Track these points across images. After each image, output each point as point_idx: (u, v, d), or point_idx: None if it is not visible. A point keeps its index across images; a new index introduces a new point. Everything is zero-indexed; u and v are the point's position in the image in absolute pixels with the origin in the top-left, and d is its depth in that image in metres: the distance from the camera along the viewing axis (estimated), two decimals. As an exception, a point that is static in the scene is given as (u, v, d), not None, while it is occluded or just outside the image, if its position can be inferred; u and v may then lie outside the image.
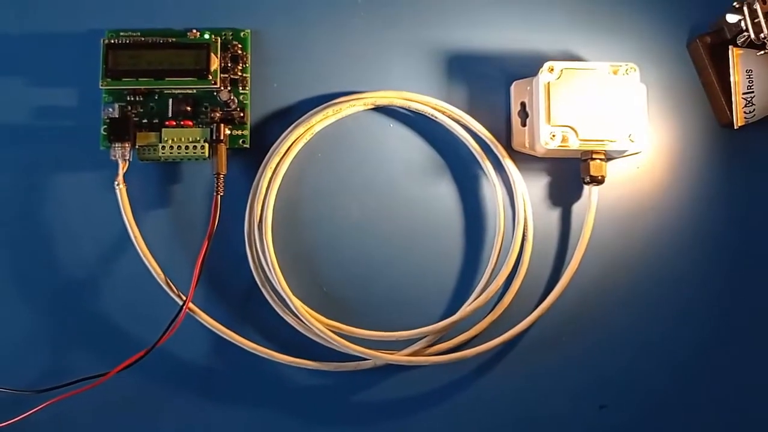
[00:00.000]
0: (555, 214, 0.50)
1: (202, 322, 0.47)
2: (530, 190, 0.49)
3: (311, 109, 0.49)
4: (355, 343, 0.47)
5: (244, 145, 0.49)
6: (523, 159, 0.50)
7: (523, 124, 0.50)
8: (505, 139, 0.50)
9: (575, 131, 0.47)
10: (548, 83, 0.47)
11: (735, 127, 0.48)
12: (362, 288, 0.49)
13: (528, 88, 0.50)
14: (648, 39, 0.51)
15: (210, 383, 0.48)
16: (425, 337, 0.48)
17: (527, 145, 0.49)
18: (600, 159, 0.47)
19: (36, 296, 0.48)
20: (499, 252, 0.48)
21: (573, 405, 0.48)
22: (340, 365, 0.47)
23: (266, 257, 0.47)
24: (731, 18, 0.47)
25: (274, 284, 0.47)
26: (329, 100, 0.49)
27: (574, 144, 0.47)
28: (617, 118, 0.47)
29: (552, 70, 0.47)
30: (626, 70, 0.47)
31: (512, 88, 0.50)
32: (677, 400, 0.48)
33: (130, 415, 0.47)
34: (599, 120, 0.47)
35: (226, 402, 0.48)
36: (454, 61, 0.51)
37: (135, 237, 0.47)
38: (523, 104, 0.50)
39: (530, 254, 0.48)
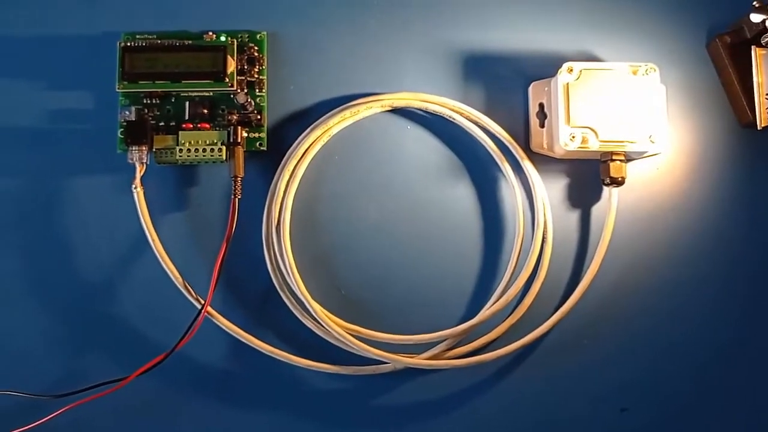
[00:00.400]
0: (574, 216, 0.49)
1: (221, 325, 0.47)
2: (549, 192, 0.49)
3: (328, 112, 0.49)
4: (373, 347, 0.46)
5: (261, 148, 0.48)
6: (541, 160, 0.49)
7: (542, 125, 0.49)
8: (524, 140, 0.50)
9: (595, 132, 0.46)
10: (567, 84, 0.47)
11: (758, 128, 0.48)
12: (381, 290, 0.48)
13: (546, 88, 0.49)
14: (666, 39, 0.51)
15: (228, 387, 0.47)
16: (444, 340, 0.47)
17: (546, 146, 0.49)
18: (620, 160, 0.47)
19: (54, 300, 0.48)
20: (519, 254, 0.48)
21: (594, 408, 0.48)
22: (359, 369, 0.47)
23: (284, 260, 0.47)
24: (755, 17, 0.46)
25: (293, 287, 0.47)
26: (346, 102, 0.49)
27: (594, 145, 0.46)
28: (637, 118, 0.46)
29: (571, 70, 0.47)
30: (646, 70, 0.47)
31: (530, 89, 0.50)
32: (699, 403, 0.48)
33: (149, 420, 0.47)
34: (619, 121, 0.46)
35: (244, 406, 0.47)
36: (471, 62, 0.50)
37: (153, 240, 0.46)
38: (541, 105, 0.50)
39: (550, 257, 0.48)
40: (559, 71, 0.47)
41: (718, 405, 0.48)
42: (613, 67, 0.47)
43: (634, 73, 0.47)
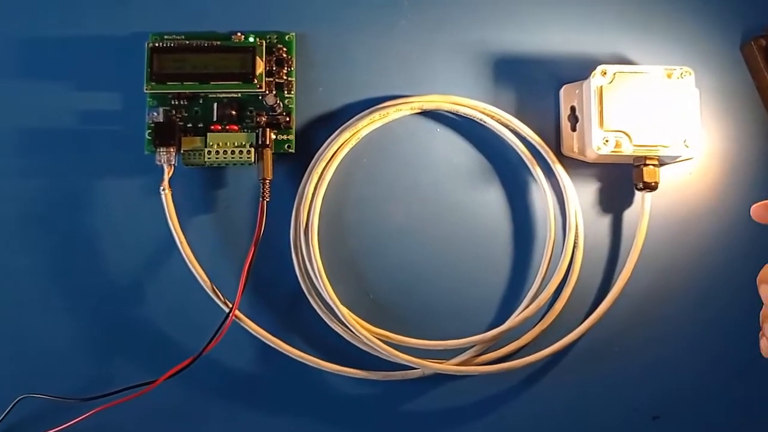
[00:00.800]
0: (605, 221, 0.49)
1: (248, 329, 0.46)
2: (580, 197, 0.48)
3: (357, 114, 0.48)
4: (402, 352, 0.46)
5: (290, 150, 0.48)
6: (572, 164, 0.49)
7: (573, 129, 0.49)
8: (555, 144, 0.49)
9: (629, 136, 0.45)
10: (601, 87, 0.46)
11: (794, 132, 0.47)
12: (409, 295, 0.48)
13: (578, 91, 0.49)
14: (700, 41, 0.50)
15: (255, 391, 0.47)
16: (473, 346, 0.47)
17: (577, 150, 0.48)
18: (653, 165, 0.46)
19: (81, 302, 0.47)
20: (550, 260, 0.47)
21: (625, 416, 0.47)
22: (388, 374, 0.46)
23: (312, 263, 0.46)
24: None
25: (321, 291, 0.46)
26: (375, 105, 0.48)
27: (627, 149, 0.45)
28: (672, 123, 0.46)
29: (605, 73, 0.46)
30: (681, 74, 0.46)
31: (562, 91, 0.49)
32: (732, 412, 0.47)
33: (176, 424, 0.47)
34: (653, 125, 0.46)
35: (271, 410, 0.47)
36: (502, 64, 0.50)
37: (180, 243, 0.46)
38: (572, 108, 0.49)
39: (581, 262, 0.47)
40: (592, 74, 0.46)
41: (753, 415, 0.47)
42: (648, 71, 0.46)
43: (669, 76, 0.46)
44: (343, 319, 0.46)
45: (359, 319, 0.47)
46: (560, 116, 0.49)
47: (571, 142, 0.49)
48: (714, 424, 0.47)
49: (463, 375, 0.46)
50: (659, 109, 0.46)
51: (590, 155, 0.47)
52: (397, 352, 0.46)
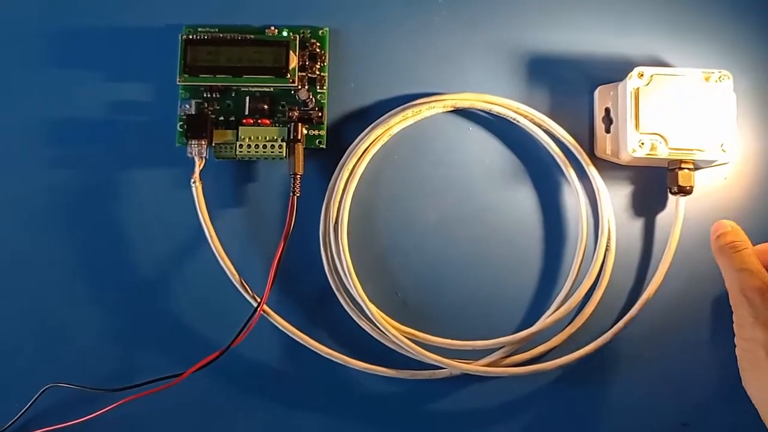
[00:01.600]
0: (638, 225, 0.48)
1: (276, 324, 0.46)
2: (613, 199, 0.48)
3: (389, 110, 0.48)
4: (430, 351, 0.45)
5: (321, 146, 0.48)
6: (605, 166, 0.48)
7: (607, 131, 0.48)
8: (588, 145, 0.48)
9: (665, 139, 0.45)
10: (637, 89, 0.45)
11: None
12: (438, 295, 0.48)
13: (612, 93, 0.48)
14: (736, 44, 0.50)
15: (282, 386, 0.47)
16: (502, 347, 0.46)
17: (610, 152, 0.48)
18: (689, 169, 0.45)
19: (110, 294, 0.47)
20: (581, 262, 0.47)
21: (654, 422, 0.47)
22: (415, 373, 0.46)
23: (341, 260, 0.46)
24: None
25: (349, 288, 0.46)
26: (407, 102, 0.48)
27: (663, 153, 0.45)
28: (708, 126, 0.45)
29: (642, 75, 0.46)
30: (719, 77, 0.45)
31: (596, 93, 0.49)
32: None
33: (201, 417, 0.47)
34: (690, 128, 0.45)
35: (297, 406, 0.47)
36: (536, 64, 0.49)
37: (210, 236, 0.46)
38: (607, 110, 0.48)
39: (612, 265, 0.47)
40: (628, 75, 0.46)
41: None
42: (685, 73, 0.46)
43: (707, 79, 0.46)
44: (371, 317, 0.46)
45: (387, 317, 0.46)
46: (594, 118, 0.49)
47: (604, 144, 0.48)
48: (744, 432, 0.46)
49: (491, 376, 0.46)
50: (696, 112, 0.45)
51: (624, 158, 0.47)
52: (425, 351, 0.45)
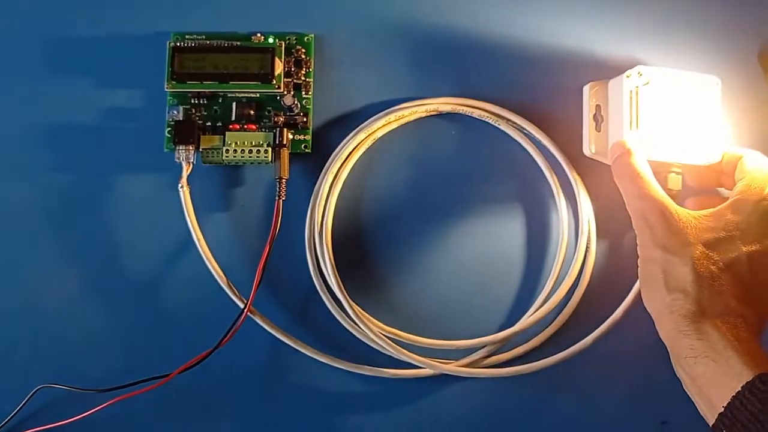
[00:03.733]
0: (624, 225, 0.49)
1: (262, 325, 0.47)
2: (597, 199, 0.48)
3: (373, 115, 0.49)
4: (412, 351, 0.46)
5: (306, 150, 0.49)
6: (591, 166, 0.48)
7: (598, 129, 0.47)
8: (570, 146, 0.48)
9: (657, 142, 0.44)
10: (636, 89, 0.44)
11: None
12: (422, 295, 0.48)
13: (596, 89, 0.47)
14: (716, 48, 0.50)
15: (268, 386, 0.48)
16: (484, 347, 0.47)
17: (598, 151, 0.47)
18: (676, 172, 0.45)
19: (101, 296, 0.48)
20: (562, 264, 0.48)
21: (633, 420, 0.48)
22: (397, 372, 0.47)
23: (326, 262, 0.47)
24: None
25: (333, 289, 0.47)
26: (391, 106, 0.49)
27: (655, 156, 0.44)
28: (697, 131, 0.45)
29: (641, 74, 0.44)
30: (710, 81, 0.45)
31: (586, 89, 0.47)
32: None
33: (190, 415, 0.48)
34: (679, 132, 0.44)
35: (283, 405, 0.48)
36: (517, 65, 0.50)
37: (198, 239, 0.47)
38: (598, 107, 0.47)
39: (593, 266, 0.48)
40: (626, 74, 0.44)
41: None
42: (679, 75, 0.45)
43: (698, 83, 0.45)
44: (354, 318, 0.47)
45: (370, 318, 0.47)
46: (582, 118, 0.47)
47: (593, 143, 0.47)
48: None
49: (472, 377, 0.47)
50: (686, 116, 0.45)
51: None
52: (405, 351, 0.46)
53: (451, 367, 0.47)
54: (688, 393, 0.39)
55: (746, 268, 0.39)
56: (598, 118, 0.47)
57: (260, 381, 0.48)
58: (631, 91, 0.44)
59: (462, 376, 0.47)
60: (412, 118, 0.49)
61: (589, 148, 0.47)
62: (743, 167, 0.43)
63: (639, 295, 0.45)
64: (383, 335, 0.47)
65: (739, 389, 0.34)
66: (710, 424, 0.36)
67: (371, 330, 0.46)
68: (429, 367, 0.47)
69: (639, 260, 0.41)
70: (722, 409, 0.34)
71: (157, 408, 0.47)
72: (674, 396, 0.47)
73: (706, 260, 0.38)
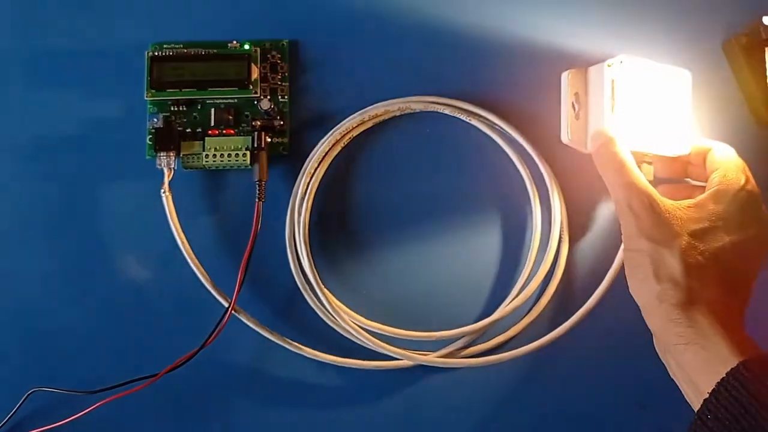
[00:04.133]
0: (597, 214, 0.50)
1: (247, 323, 0.48)
2: (572, 189, 0.50)
3: (349, 116, 0.50)
4: (391, 343, 0.48)
5: (284, 152, 0.50)
6: (567, 153, 0.48)
7: (577, 117, 0.47)
8: (540, 139, 0.50)
9: (633, 132, 0.44)
10: (616, 77, 0.44)
11: (774, 127, 0.48)
12: (401, 288, 0.50)
13: (575, 77, 0.47)
14: (681, 38, 0.51)
15: (253, 381, 0.49)
16: (462, 337, 0.48)
17: (574, 138, 0.46)
18: (648, 162, 0.46)
19: (90, 301, 0.49)
20: (536, 253, 0.49)
21: (611, 404, 0.49)
22: (379, 364, 0.49)
23: (305, 260, 0.48)
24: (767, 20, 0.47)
25: (314, 286, 0.48)
26: (366, 107, 0.50)
27: (630, 146, 0.44)
28: (670, 122, 0.45)
29: (622, 63, 0.44)
30: (681, 74, 0.46)
31: (566, 76, 0.47)
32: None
33: (179, 414, 0.49)
34: (655, 122, 0.45)
35: (269, 399, 0.49)
36: (489, 61, 0.51)
37: (182, 243, 0.48)
38: (576, 95, 0.47)
39: (566, 255, 0.49)
40: (607, 63, 0.44)
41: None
42: (655, 67, 0.45)
43: (670, 75, 0.46)
44: (333, 313, 0.48)
45: (350, 311, 0.49)
46: (561, 103, 0.47)
47: (573, 131, 0.46)
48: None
49: (450, 367, 0.48)
50: (659, 107, 0.45)
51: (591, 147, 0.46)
52: (381, 343, 0.48)
53: (428, 359, 0.48)
54: (675, 380, 0.40)
55: (730, 257, 0.40)
56: (576, 106, 0.47)
57: (245, 377, 0.49)
58: (612, 80, 0.45)
59: (440, 366, 0.48)
60: (386, 117, 0.50)
61: (567, 136, 0.47)
62: (714, 158, 0.44)
63: (613, 282, 0.47)
64: (361, 328, 0.48)
65: (724, 375, 0.35)
66: (695, 409, 0.37)
67: (350, 324, 0.48)
68: (406, 358, 0.48)
69: (624, 250, 0.42)
70: (707, 395, 0.35)
71: (146, 409, 0.49)
72: (652, 380, 0.48)
73: (693, 250, 0.39)
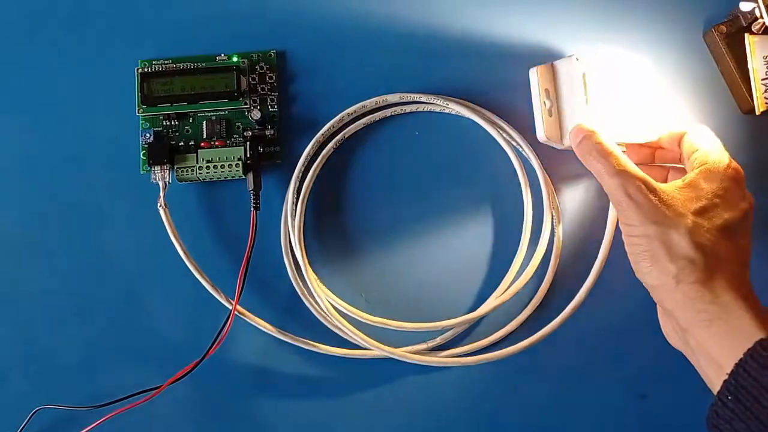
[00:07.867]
0: (585, 207, 0.50)
1: (251, 323, 0.49)
2: (557, 182, 0.50)
3: (338, 121, 0.51)
4: (384, 336, 0.49)
5: (277, 161, 0.51)
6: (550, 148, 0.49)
7: (549, 114, 0.47)
8: (527, 129, 0.50)
9: (608, 122, 0.45)
10: (588, 70, 0.45)
11: (757, 113, 0.49)
12: (396, 286, 0.50)
13: (542, 73, 0.47)
14: (663, 29, 0.52)
15: (249, 381, 0.50)
16: (452, 329, 0.49)
17: (550, 135, 0.47)
18: (623, 151, 0.46)
19: (92, 315, 0.50)
20: (527, 245, 0.50)
21: (612, 394, 0.49)
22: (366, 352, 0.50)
23: (301, 263, 0.49)
24: (745, 6, 0.48)
25: (311, 289, 0.49)
26: (355, 111, 0.51)
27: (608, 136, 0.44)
28: (638, 109, 0.46)
29: (597, 55, 0.45)
30: (643, 61, 0.47)
31: (534, 72, 0.47)
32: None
33: (186, 423, 0.50)
34: (625, 111, 0.45)
35: (266, 398, 0.50)
36: (474, 55, 0.52)
37: (182, 254, 0.48)
38: (546, 91, 0.47)
39: (560, 248, 0.50)
40: (575, 57, 0.45)
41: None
42: (618, 56, 0.46)
43: (634, 63, 0.46)
44: (330, 317, 0.49)
45: (346, 304, 0.50)
46: (532, 102, 0.48)
47: (547, 128, 0.47)
48: (699, 402, 0.48)
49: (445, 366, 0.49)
50: (627, 95, 0.46)
51: (567, 143, 0.46)
52: (362, 335, 0.48)
53: (430, 358, 0.49)
54: (694, 362, 0.40)
55: (731, 234, 0.40)
56: (548, 102, 0.47)
57: (241, 377, 0.50)
58: (583, 74, 0.45)
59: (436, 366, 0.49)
60: (375, 118, 0.51)
61: (542, 134, 0.47)
62: (691, 140, 0.44)
63: (603, 273, 0.48)
64: (361, 329, 0.49)
65: (742, 357, 0.35)
66: (715, 391, 0.37)
67: (349, 326, 0.49)
68: (378, 350, 0.49)
69: (627, 237, 0.41)
70: (726, 377, 0.35)
71: (153, 420, 0.49)
72: (653, 369, 0.49)
73: (700, 228, 0.39)
